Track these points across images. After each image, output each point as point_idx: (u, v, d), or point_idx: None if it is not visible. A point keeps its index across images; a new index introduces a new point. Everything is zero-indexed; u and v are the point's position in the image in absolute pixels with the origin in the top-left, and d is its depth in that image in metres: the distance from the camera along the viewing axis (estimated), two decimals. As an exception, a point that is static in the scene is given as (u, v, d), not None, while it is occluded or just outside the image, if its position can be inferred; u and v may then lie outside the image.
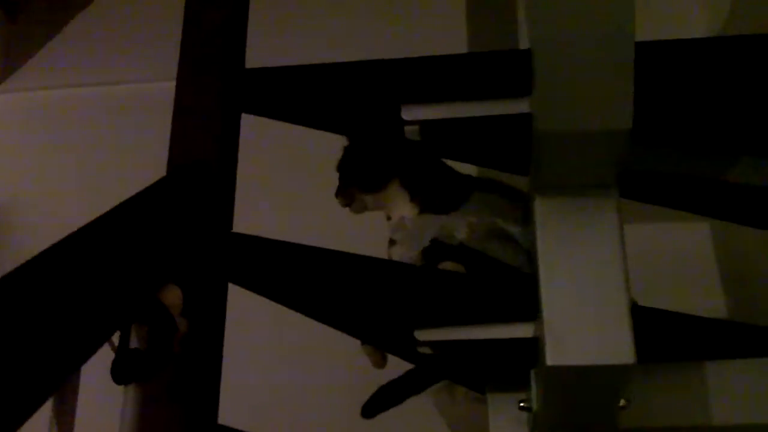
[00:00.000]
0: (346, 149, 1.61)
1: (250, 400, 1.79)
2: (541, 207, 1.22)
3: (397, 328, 1.32)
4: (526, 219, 1.40)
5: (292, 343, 1.97)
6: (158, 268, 1.01)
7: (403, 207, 1.53)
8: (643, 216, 1.90)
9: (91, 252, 0.91)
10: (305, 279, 1.32)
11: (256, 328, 1.87)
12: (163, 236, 1.03)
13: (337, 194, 1.58)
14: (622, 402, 1.27)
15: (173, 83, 1.32)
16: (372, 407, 1.50)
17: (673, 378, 1.40)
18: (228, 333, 1.23)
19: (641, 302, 1.38)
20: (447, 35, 2.21)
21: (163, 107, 1.34)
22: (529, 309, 1.22)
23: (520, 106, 1.20)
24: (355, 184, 1.58)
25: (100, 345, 0.90)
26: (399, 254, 1.48)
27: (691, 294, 1.89)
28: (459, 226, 1.34)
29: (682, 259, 1.93)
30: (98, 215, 0.95)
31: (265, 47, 1.49)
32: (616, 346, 1.14)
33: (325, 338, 1.56)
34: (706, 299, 1.88)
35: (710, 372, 1.40)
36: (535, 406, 1.33)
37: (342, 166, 1.62)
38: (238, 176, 1.32)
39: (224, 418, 1.19)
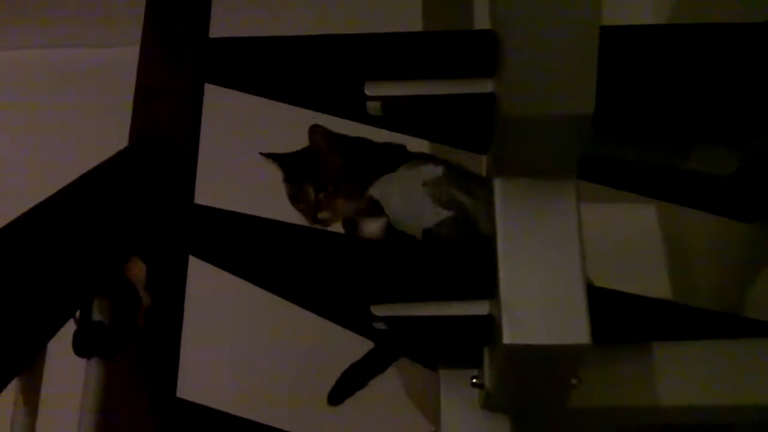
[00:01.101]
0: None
1: (208, 375, 1.79)
2: (501, 188, 1.23)
3: (354, 303, 1.33)
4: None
5: (252, 318, 1.96)
6: (123, 241, 1.00)
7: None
8: (589, 197, 1.92)
9: (55, 225, 0.90)
10: (265, 252, 1.31)
11: (215, 303, 1.86)
12: (127, 208, 1.02)
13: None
14: (573, 381, 1.29)
15: (137, 48, 1.31)
16: (338, 393, 1.50)
17: (622, 359, 1.42)
18: (188, 307, 1.23)
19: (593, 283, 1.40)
20: (402, 14, 2.19)
21: (127, 72, 1.32)
22: (485, 287, 1.23)
23: (483, 87, 1.20)
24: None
25: (66, 320, 0.89)
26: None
27: (637, 276, 1.91)
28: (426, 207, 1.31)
29: (628, 241, 1.95)
30: (60, 186, 0.94)
31: (229, 21, 1.47)
32: (572, 326, 1.16)
33: (287, 313, 1.57)
34: (651, 281, 1.91)
35: (659, 353, 1.42)
36: (487, 383, 1.34)
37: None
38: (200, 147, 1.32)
39: (182, 393, 1.19)
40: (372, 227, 1.37)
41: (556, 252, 1.20)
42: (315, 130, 1.44)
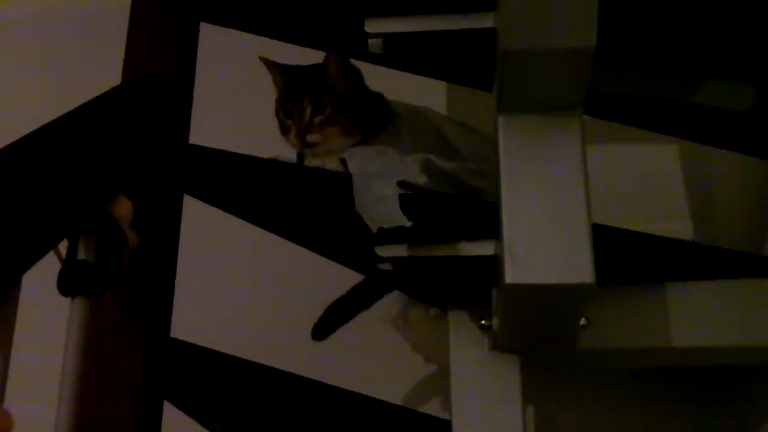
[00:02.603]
0: None
1: (203, 314, 1.79)
2: (504, 125, 1.20)
3: (356, 243, 1.31)
4: (455, 154, 1.38)
5: (247, 258, 1.96)
6: (108, 178, 0.99)
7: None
8: (612, 136, 1.90)
9: (36, 157, 0.89)
10: (263, 192, 1.30)
11: (211, 242, 1.85)
12: (114, 146, 1.01)
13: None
14: (582, 321, 1.27)
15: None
16: (322, 328, 1.49)
17: (634, 299, 1.40)
18: (182, 247, 1.22)
19: (610, 223, 1.37)
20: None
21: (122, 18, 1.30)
22: (492, 227, 1.21)
23: (485, 21, 1.18)
24: None
25: (44, 253, 0.89)
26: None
27: (659, 215, 1.89)
28: (410, 170, 1.26)
29: (651, 180, 1.92)
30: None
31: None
32: (575, 265, 1.14)
33: (282, 252, 1.56)
34: (673, 221, 1.88)
35: (671, 294, 1.40)
36: (495, 324, 1.33)
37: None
38: (195, 86, 1.30)
39: (176, 332, 1.19)
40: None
41: (561, 190, 1.17)
42: (333, 55, 1.39)
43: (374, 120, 1.39)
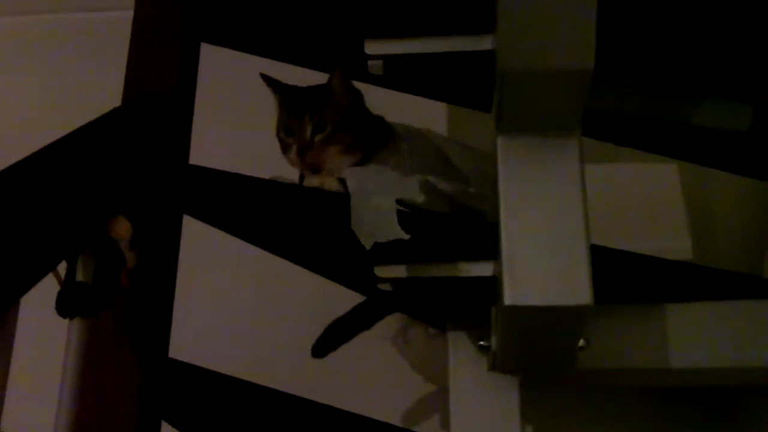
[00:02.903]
0: None
1: (202, 335, 1.79)
2: (503, 146, 1.20)
3: (356, 263, 1.32)
4: (456, 175, 1.38)
5: (246, 279, 1.96)
6: (107, 199, 0.99)
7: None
8: (612, 156, 1.90)
9: (36, 178, 0.90)
10: (263, 212, 1.31)
11: (210, 262, 1.86)
12: (114, 167, 1.02)
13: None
14: (581, 342, 1.27)
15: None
16: (322, 346, 1.48)
17: (633, 320, 1.40)
18: (182, 267, 1.22)
19: (609, 243, 1.38)
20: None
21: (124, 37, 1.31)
22: (491, 248, 1.21)
23: (484, 44, 1.18)
24: None
25: (42, 275, 0.89)
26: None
27: (657, 235, 1.89)
28: (409, 188, 1.25)
29: (650, 200, 1.92)
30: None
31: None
32: (573, 287, 1.14)
33: (283, 273, 1.56)
34: (671, 241, 1.89)
35: (670, 315, 1.40)
36: (494, 345, 1.33)
37: None
38: (196, 107, 1.30)
39: (175, 351, 1.18)
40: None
41: (560, 211, 1.18)
42: (338, 74, 1.39)
43: (374, 140, 1.40)
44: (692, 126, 1.45)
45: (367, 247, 1.16)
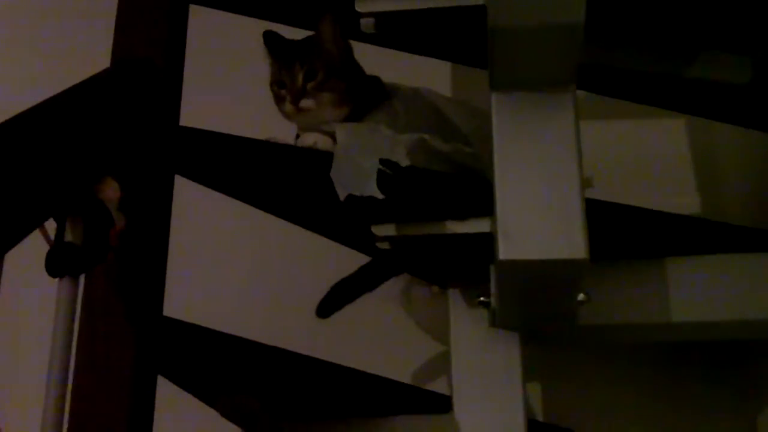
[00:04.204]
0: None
1: (198, 294, 1.81)
2: (497, 102, 1.20)
3: (353, 222, 1.32)
4: (455, 134, 1.38)
5: (242, 238, 1.96)
6: (95, 160, 1.00)
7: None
8: (617, 112, 1.89)
9: (23, 136, 0.91)
10: (258, 173, 1.31)
11: (204, 222, 1.86)
12: (101, 128, 1.02)
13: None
14: (581, 297, 1.27)
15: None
16: (326, 306, 1.49)
17: (634, 274, 1.40)
18: (177, 226, 1.23)
19: (615, 199, 1.37)
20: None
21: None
22: (487, 204, 1.22)
23: (474, -2, 1.18)
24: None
25: (27, 233, 0.90)
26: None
27: (664, 191, 1.88)
28: (397, 150, 1.24)
29: (657, 156, 1.91)
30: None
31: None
32: (567, 241, 1.14)
33: (277, 231, 1.57)
34: (678, 196, 1.87)
35: (672, 269, 1.40)
36: (493, 301, 1.34)
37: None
38: (188, 69, 1.31)
39: (171, 310, 1.20)
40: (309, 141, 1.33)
41: (554, 166, 1.18)
42: (328, 19, 1.37)
43: (367, 95, 1.39)
44: (698, 80, 1.44)
45: (341, 198, 1.16)
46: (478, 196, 1.22)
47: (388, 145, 1.21)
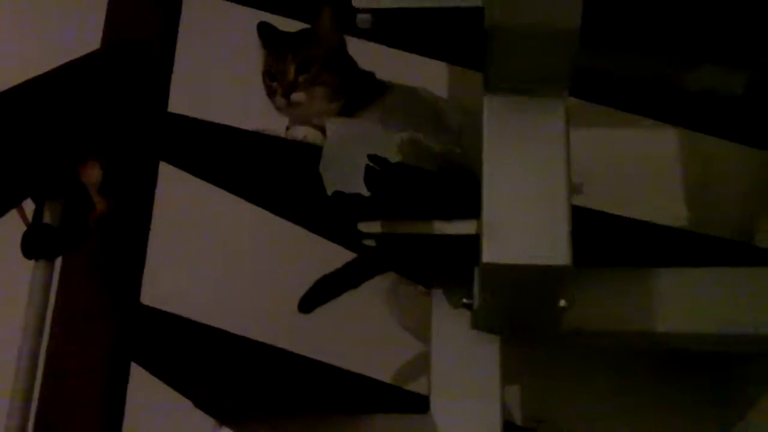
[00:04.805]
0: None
1: (177, 283, 1.80)
2: (489, 104, 1.20)
3: (340, 218, 1.32)
4: (447, 134, 1.37)
5: (225, 228, 1.95)
6: (78, 142, 0.99)
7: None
8: (611, 120, 1.89)
9: (5, 114, 0.90)
10: (245, 164, 1.30)
11: (188, 210, 1.85)
12: (86, 110, 1.01)
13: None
14: (562, 303, 1.27)
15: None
16: (309, 301, 1.48)
17: (619, 283, 1.40)
18: (159, 213, 1.22)
19: (604, 208, 1.37)
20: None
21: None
22: (474, 206, 1.21)
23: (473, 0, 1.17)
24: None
25: (4, 212, 0.89)
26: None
27: (654, 201, 1.87)
28: (387, 146, 1.24)
29: (647, 166, 1.91)
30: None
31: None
32: (552, 247, 1.14)
33: (260, 223, 1.56)
34: (668, 207, 1.87)
35: (657, 278, 1.40)
36: (476, 303, 1.33)
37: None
38: (179, 55, 1.30)
39: (149, 299, 1.19)
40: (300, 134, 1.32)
41: (542, 172, 1.18)
42: (327, 9, 1.35)
43: (361, 90, 1.38)
44: (691, 92, 1.44)
45: (328, 193, 1.15)
46: (466, 197, 1.22)
47: (379, 141, 1.21)
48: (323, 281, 1.51)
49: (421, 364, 1.75)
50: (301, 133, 1.31)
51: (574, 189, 1.18)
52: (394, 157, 1.19)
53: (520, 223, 1.15)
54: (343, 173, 1.16)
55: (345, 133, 1.22)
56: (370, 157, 1.17)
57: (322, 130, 1.28)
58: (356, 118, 1.34)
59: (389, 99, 1.40)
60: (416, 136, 1.27)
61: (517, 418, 1.77)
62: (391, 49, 1.52)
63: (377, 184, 1.16)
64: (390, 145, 1.20)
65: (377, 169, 1.16)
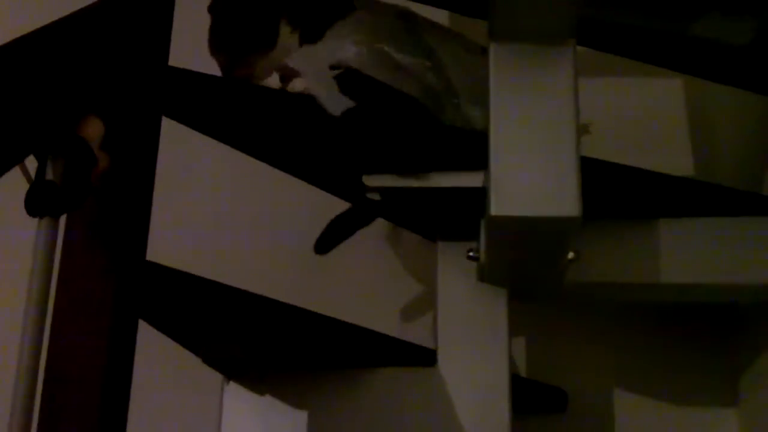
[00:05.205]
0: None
1: (182, 238, 1.78)
2: (495, 53, 1.19)
3: (344, 171, 1.31)
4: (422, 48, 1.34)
5: (228, 184, 1.93)
6: (79, 97, 0.97)
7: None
8: (617, 70, 1.87)
9: (4, 69, 0.88)
10: (247, 117, 1.29)
11: (190, 165, 1.83)
12: (86, 65, 0.99)
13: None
14: (571, 255, 1.26)
15: None
16: (324, 242, 1.46)
17: (624, 234, 1.39)
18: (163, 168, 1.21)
19: (609, 158, 1.36)
20: None
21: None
22: (482, 157, 1.20)
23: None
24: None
25: (6, 170, 0.88)
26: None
27: (660, 151, 1.86)
28: (343, 47, 1.20)
29: (653, 116, 1.89)
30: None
31: None
32: (561, 198, 1.13)
33: (264, 179, 1.54)
34: (674, 157, 1.86)
35: (663, 230, 1.39)
36: (482, 256, 1.32)
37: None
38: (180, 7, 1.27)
39: (157, 254, 1.18)
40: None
41: (550, 122, 1.16)
42: None
43: (323, 11, 1.35)
44: (698, 40, 1.42)
45: (337, 114, 1.14)
46: (471, 149, 1.21)
47: (339, 48, 1.19)
48: (336, 221, 1.49)
49: (427, 317, 1.75)
50: (302, 84, 1.29)
51: (582, 129, 1.17)
52: (352, 63, 1.18)
53: (528, 174, 1.14)
54: (328, 96, 1.15)
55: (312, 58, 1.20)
56: (332, 66, 1.15)
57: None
58: (325, 38, 1.31)
59: (356, 15, 1.36)
60: (378, 47, 1.25)
61: (522, 371, 1.77)
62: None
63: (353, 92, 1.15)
64: (349, 49, 1.19)
65: (345, 76, 1.15)
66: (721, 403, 1.69)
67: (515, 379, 1.36)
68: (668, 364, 1.72)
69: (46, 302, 0.93)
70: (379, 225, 1.59)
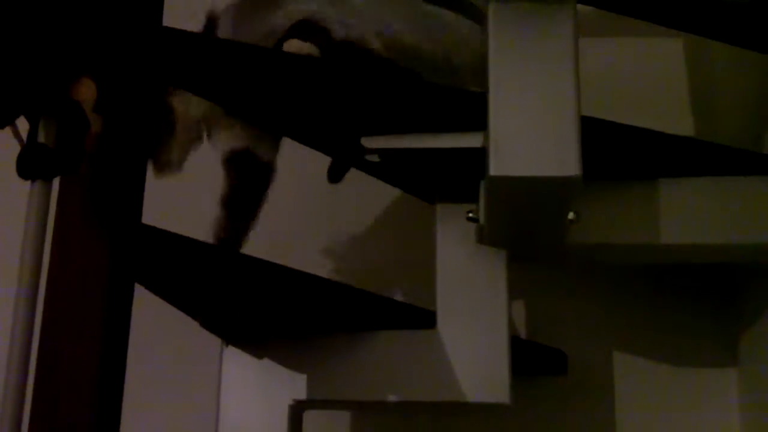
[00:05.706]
0: None
1: (179, 201, 1.76)
2: (494, 13, 1.17)
3: (343, 133, 1.29)
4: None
5: None
6: (71, 58, 0.95)
7: None
8: (617, 29, 1.85)
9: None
10: (246, 79, 1.27)
11: None
12: (79, 26, 0.97)
13: None
14: (571, 215, 1.25)
15: None
16: (336, 170, 1.45)
17: (625, 195, 1.38)
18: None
19: (609, 117, 1.34)
20: None
21: None
22: (481, 118, 1.19)
23: None
24: None
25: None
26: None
27: (661, 111, 1.85)
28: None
29: (654, 76, 1.87)
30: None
31: None
32: (561, 158, 1.12)
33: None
34: (674, 117, 1.85)
35: (663, 190, 1.38)
36: (482, 217, 1.31)
37: None
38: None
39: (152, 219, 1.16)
40: None
41: (550, 82, 1.15)
42: None
43: None
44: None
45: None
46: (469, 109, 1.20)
47: None
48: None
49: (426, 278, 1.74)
50: (298, 45, 1.28)
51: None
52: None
53: (528, 134, 1.13)
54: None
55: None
56: None
57: None
58: None
59: None
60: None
61: (521, 333, 1.76)
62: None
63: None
64: None
65: None
66: (721, 364, 1.69)
67: (515, 341, 1.36)
68: (668, 325, 1.72)
69: (39, 266, 0.92)
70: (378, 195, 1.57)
